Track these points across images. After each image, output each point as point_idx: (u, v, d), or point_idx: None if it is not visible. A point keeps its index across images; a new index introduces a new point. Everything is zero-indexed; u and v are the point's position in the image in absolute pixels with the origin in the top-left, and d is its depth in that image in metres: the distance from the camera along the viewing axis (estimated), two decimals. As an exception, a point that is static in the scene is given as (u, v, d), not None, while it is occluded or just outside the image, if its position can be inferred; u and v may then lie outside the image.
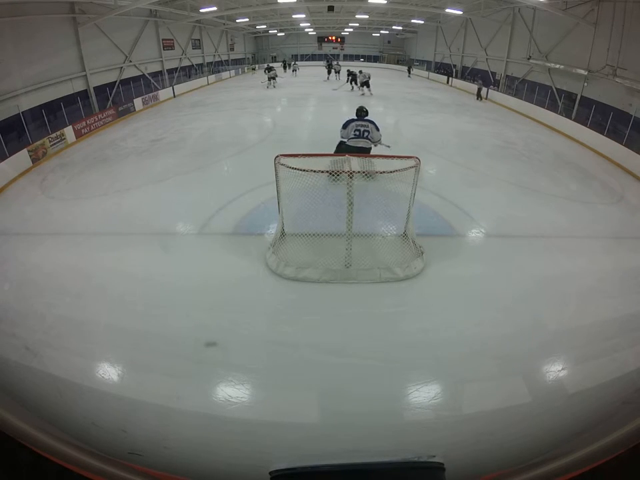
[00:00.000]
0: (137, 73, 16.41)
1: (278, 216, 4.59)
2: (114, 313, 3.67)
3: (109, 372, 3.05)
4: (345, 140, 6.13)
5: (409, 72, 26.48)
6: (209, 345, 3.26)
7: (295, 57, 34.20)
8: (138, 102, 14.48)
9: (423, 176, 4.65)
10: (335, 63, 24.05)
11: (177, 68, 20.25)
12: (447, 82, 22.74)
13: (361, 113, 6.22)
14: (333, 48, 35.69)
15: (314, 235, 4.38)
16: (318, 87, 18.88)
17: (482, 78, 19.08)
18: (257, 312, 3.69)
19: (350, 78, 17.93)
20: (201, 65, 23.31)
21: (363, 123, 6.02)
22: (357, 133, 5.98)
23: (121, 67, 15.27)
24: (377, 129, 6.05)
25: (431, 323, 3.53)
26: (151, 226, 5.31)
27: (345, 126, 6.12)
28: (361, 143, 5.94)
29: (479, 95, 17.05)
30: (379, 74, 25.60)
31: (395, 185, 4.14)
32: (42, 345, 3.28)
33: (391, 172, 3.95)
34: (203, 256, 4.69)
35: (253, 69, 29.82)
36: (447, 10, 17.21)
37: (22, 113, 9.66)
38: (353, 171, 3.91)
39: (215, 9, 16.51)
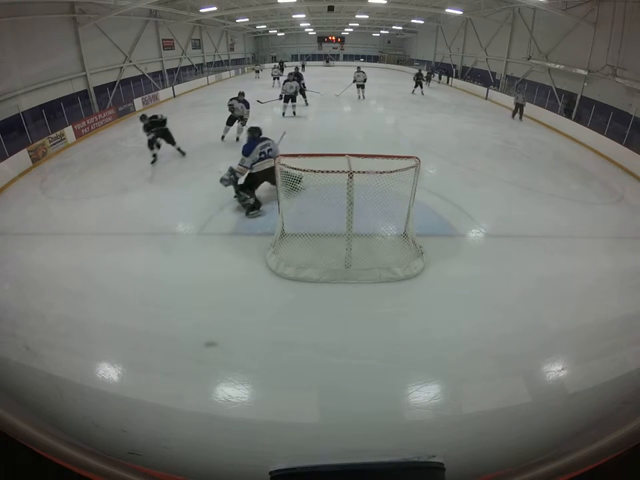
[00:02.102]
0: (137, 73, 16.40)
1: (278, 216, 4.59)
2: (114, 313, 3.66)
3: (109, 372, 3.05)
4: (252, 166, 5.49)
5: (420, 84, 17.32)
6: (209, 345, 3.26)
7: (295, 57, 34.02)
8: (138, 102, 14.46)
9: (423, 176, 4.65)
10: (357, 71, 14.85)
11: (177, 68, 20.25)
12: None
13: (258, 132, 5.73)
14: (333, 48, 35.66)
15: (314, 234, 4.39)
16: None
17: (520, 89, 13.55)
18: (257, 312, 3.69)
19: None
20: (201, 64, 23.30)
21: (265, 143, 5.63)
22: (263, 154, 5.55)
23: (121, 67, 15.26)
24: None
25: (431, 323, 3.53)
26: (151, 226, 5.31)
27: (247, 152, 5.49)
28: (267, 165, 5.52)
29: (518, 112, 12.67)
30: (379, 74, 25.62)
31: (395, 185, 4.14)
32: (42, 345, 3.28)
33: (391, 172, 3.95)
34: (203, 256, 4.69)
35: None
36: (447, 10, 17.20)
37: (22, 113, 9.65)
38: (353, 171, 3.91)
39: (215, 9, 16.52)
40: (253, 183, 5.62)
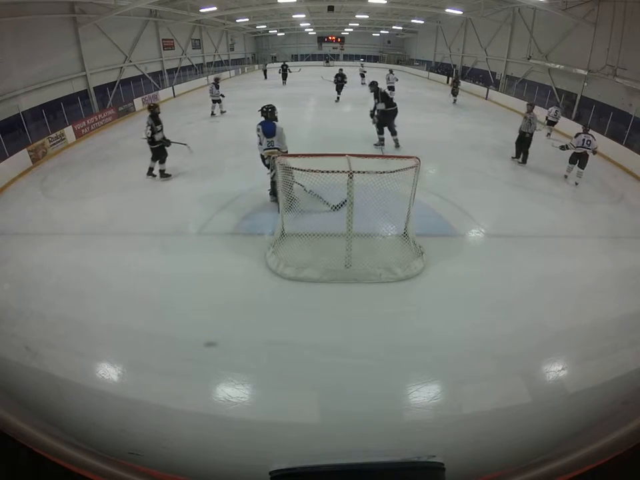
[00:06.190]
0: (137, 72, 16.40)
1: (278, 216, 4.59)
2: (114, 313, 3.66)
3: (109, 372, 3.05)
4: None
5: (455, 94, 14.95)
6: (209, 345, 3.25)
7: (295, 57, 33.97)
8: (138, 102, 14.45)
9: (423, 176, 4.65)
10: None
11: (177, 68, 20.24)
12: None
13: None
14: (333, 48, 35.62)
15: (314, 234, 4.38)
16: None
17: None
18: (256, 312, 3.68)
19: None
20: (201, 64, 23.30)
21: None
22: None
23: (121, 67, 15.26)
24: None
25: (431, 323, 3.53)
26: (151, 226, 5.31)
27: (273, 132, 5.22)
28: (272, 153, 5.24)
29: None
30: (378, 75, 25.59)
31: (395, 185, 4.13)
32: (42, 345, 3.27)
33: (391, 172, 3.95)
34: (203, 256, 4.68)
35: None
36: (447, 10, 17.23)
37: (22, 112, 9.64)
38: (353, 171, 3.91)
39: (215, 8, 16.54)
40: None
